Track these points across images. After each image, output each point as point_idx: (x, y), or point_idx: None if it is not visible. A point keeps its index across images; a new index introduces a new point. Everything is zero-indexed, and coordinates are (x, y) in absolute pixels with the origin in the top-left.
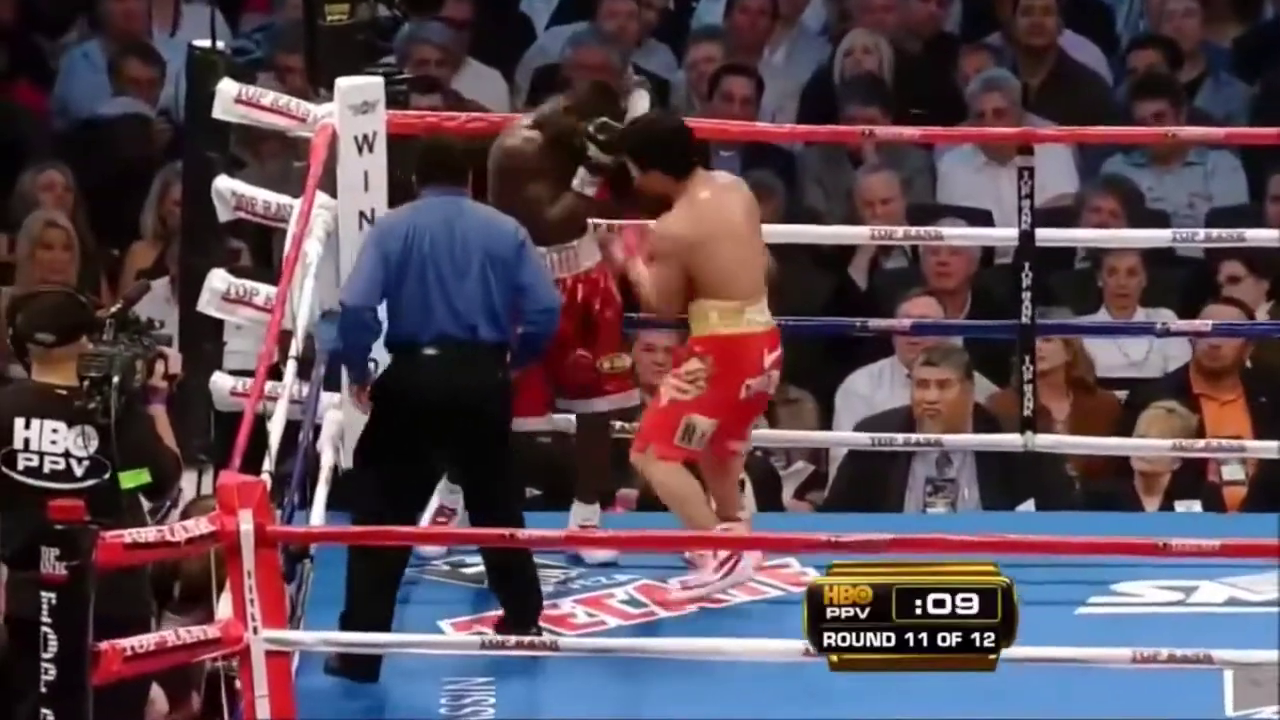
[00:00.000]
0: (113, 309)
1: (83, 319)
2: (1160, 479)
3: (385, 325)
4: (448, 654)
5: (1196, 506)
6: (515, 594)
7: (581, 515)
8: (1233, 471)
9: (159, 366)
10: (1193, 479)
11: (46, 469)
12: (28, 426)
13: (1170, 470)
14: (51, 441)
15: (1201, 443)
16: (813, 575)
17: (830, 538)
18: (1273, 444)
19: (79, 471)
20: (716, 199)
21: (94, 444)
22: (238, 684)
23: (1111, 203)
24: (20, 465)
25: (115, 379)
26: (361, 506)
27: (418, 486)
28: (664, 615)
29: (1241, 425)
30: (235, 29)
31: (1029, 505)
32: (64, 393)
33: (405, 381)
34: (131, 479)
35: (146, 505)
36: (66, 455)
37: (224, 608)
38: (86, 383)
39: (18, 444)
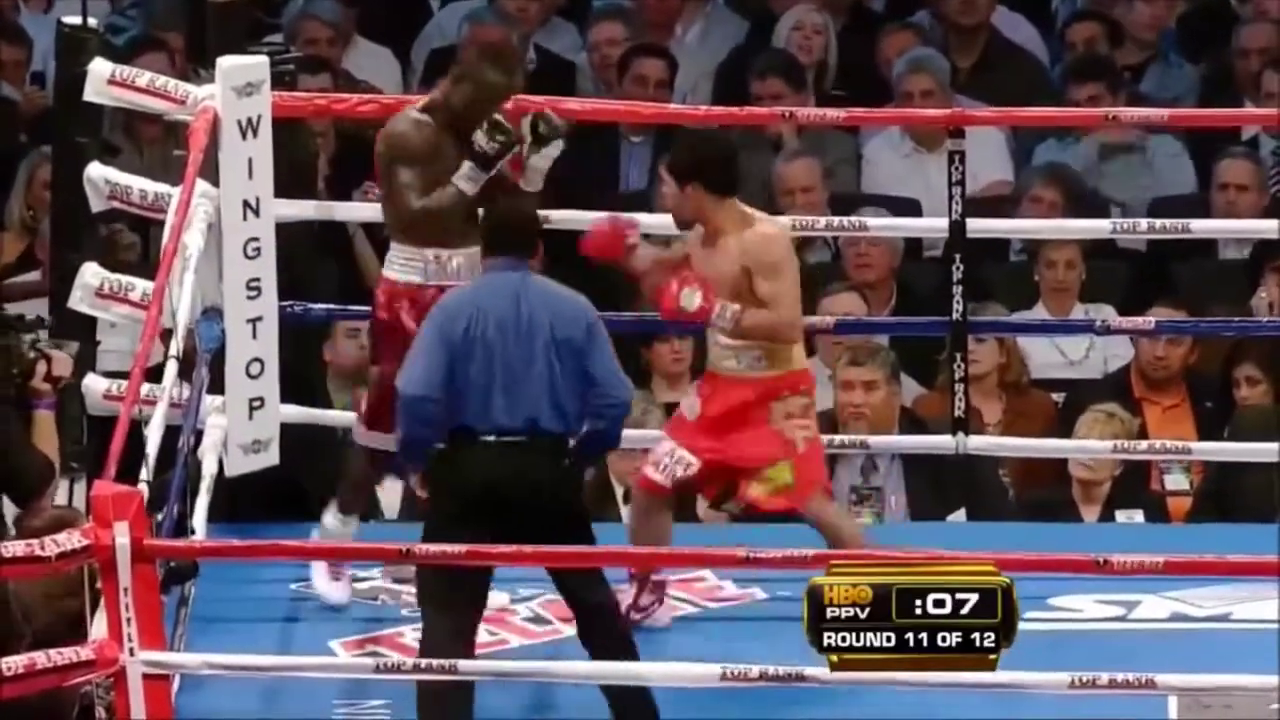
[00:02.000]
0: None
1: None
2: (1100, 487)
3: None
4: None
5: (1139, 516)
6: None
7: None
8: (1176, 481)
9: (40, 368)
10: (1134, 488)
11: None
12: None
13: (1111, 477)
14: None
15: (1144, 444)
16: (730, 589)
17: (749, 553)
18: (1217, 445)
19: None
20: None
21: None
22: (100, 714)
23: (1052, 193)
24: None
25: None
26: (425, 598)
27: (475, 579)
28: (570, 633)
29: (1186, 431)
30: (113, 3)
31: (960, 515)
32: None
33: (459, 472)
34: None
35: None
36: None
37: (98, 628)
38: None
39: None
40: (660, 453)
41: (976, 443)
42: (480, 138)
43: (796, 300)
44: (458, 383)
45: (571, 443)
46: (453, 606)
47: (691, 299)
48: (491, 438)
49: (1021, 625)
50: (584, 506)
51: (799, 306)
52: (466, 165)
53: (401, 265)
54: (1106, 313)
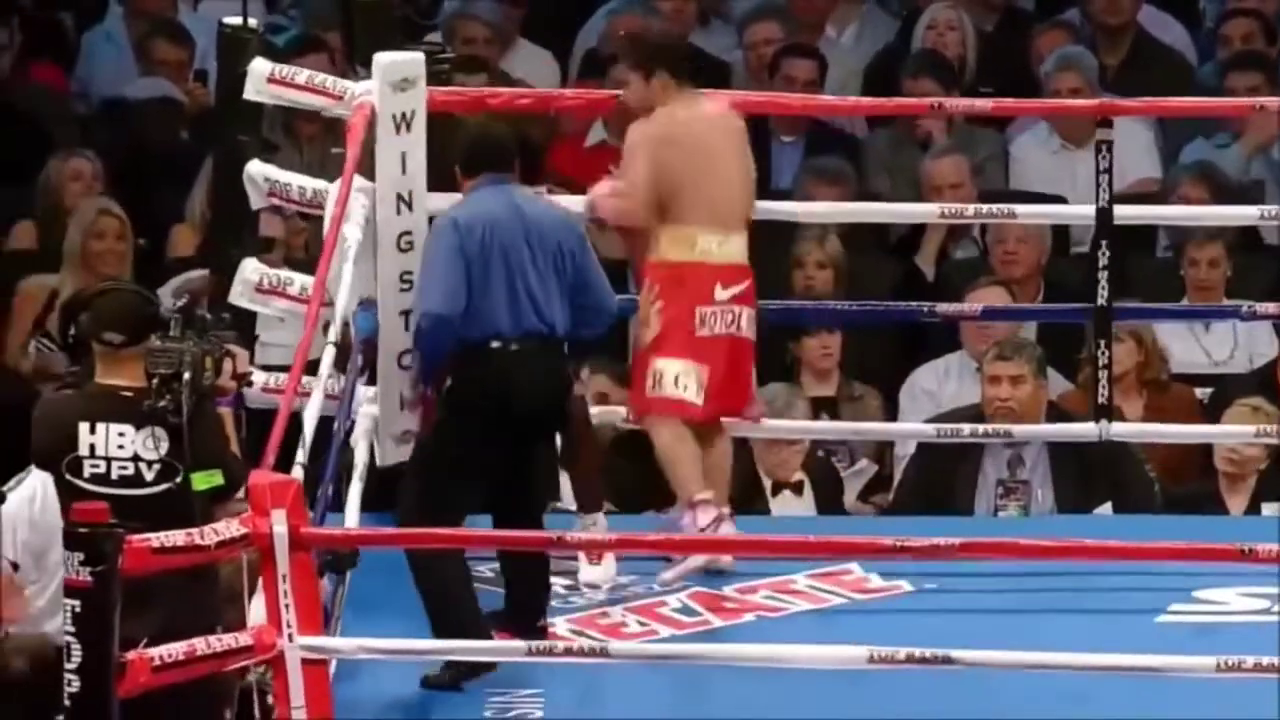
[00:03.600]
0: (179, 304)
1: (152, 317)
2: (1246, 480)
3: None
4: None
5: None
6: (526, 589)
7: None
8: None
9: (227, 365)
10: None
11: (114, 475)
12: (93, 431)
13: (1257, 470)
14: (119, 446)
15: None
16: (876, 581)
17: (896, 542)
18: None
19: (149, 476)
20: (695, 114)
21: (164, 446)
22: (270, 698)
23: (1200, 191)
24: (86, 473)
25: (186, 376)
26: (411, 509)
27: (476, 493)
28: (719, 624)
29: None
30: (270, 4)
31: (1106, 508)
32: (130, 394)
33: (487, 382)
34: (204, 480)
35: None
36: (135, 459)
37: (256, 613)
38: (155, 380)
39: (83, 450)
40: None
41: (1119, 429)
42: None
43: (631, 182)
44: (476, 293)
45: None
46: (446, 503)
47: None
48: (517, 346)
49: (1165, 616)
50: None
51: (632, 195)
52: None
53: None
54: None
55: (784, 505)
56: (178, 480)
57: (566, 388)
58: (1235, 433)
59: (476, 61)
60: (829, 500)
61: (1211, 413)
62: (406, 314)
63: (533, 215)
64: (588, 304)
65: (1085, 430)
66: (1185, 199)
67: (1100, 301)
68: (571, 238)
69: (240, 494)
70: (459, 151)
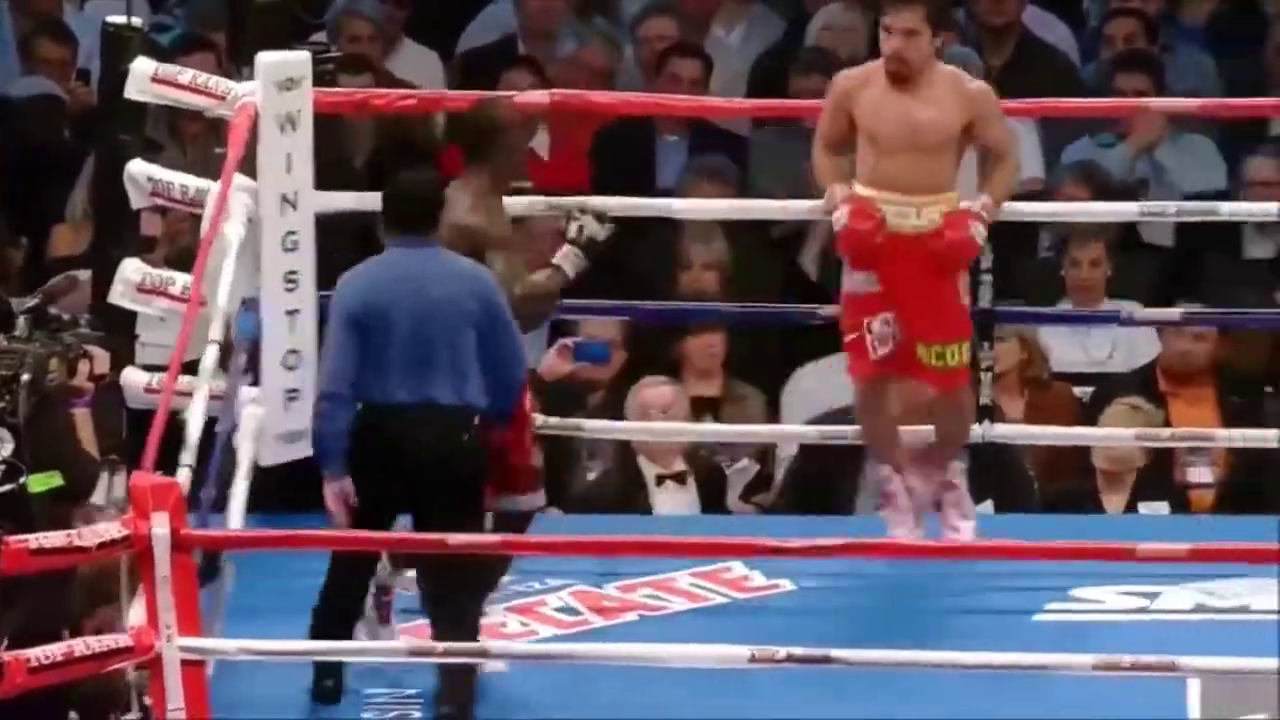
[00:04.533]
0: (29, 303)
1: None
2: (1124, 478)
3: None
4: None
5: (1163, 509)
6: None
7: None
8: (1200, 474)
9: (83, 366)
10: (1158, 480)
11: None
12: None
13: (1135, 469)
14: None
15: (1167, 432)
16: (758, 579)
17: (777, 544)
18: (1245, 432)
19: None
20: None
21: (7, 447)
22: (147, 699)
23: (1083, 191)
24: None
25: (25, 377)
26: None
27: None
28: (601, 623)
29: (1210, 426)
30: (155, 4)
31: (987, 506)
32: None
33: (363, 441)
34: (40, 482)
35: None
36: None
37: (135, 614)
38: None
39: None
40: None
41: (1001, 430)
42: (592, 224)
43: None
44: (368, 363)
45: (476, 418)
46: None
47: (980, 231)
48: (391, 411)
49: (1042, 615)
50: (478, 483)
51: None
52: (570, 249)
53: None
54: (1133, 309)
55: (667, 496)
56: (20, 481)
57: (453, 454)
58: (1115, 435)
59: (361, 61)
60: (712, 495)
61: (1091, 412)
62: (291, 314)
63: (432, 285)
64: (492, 377)
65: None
66: (1069, 199)
67: (983, 305)
68: (475, 304)
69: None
70: (384, 203)
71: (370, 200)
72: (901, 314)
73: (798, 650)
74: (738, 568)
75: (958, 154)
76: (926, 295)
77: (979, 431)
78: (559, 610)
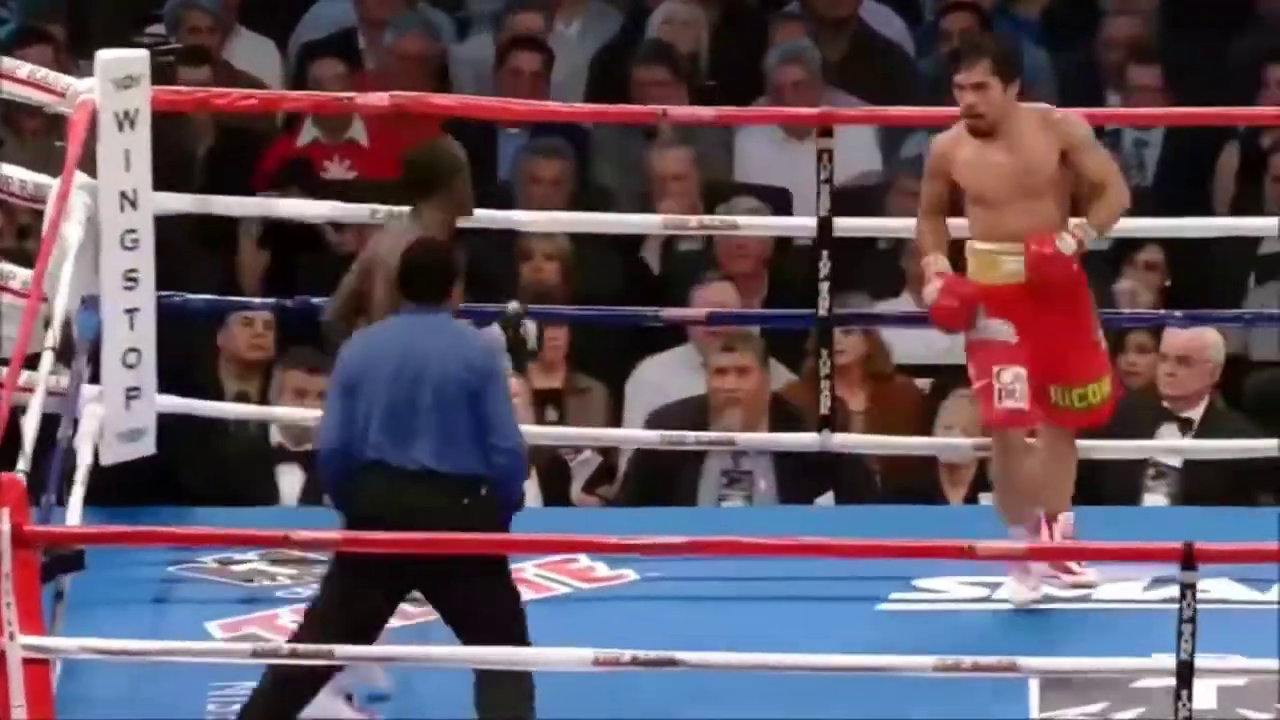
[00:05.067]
0: None
1: None
2: (965, 470)
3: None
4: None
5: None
6: None
7: None
8: None
9: None
10: None
11: None
12: None
13: (976, 461)
14: None
15: None
16: (602, 570)
17: (622, 541)
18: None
19: None
20: None
21: None
22: None
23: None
24: None
25: None
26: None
27: (349, 619)
28: (437, 617)
29: None
30: None
31: (828, 497)
32: None
33: (346, 509)
34: None
35: None
36: None
37: None
38: None
39: None
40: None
41: (840, 440)
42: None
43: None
44: (355, 425)
45: (481, 485)
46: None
47: (1066, 243)
48: (370, 474)
49: (886, 605)
50: (475, 559)
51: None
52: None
53: None
54: None
55: None
56: None
57: (437, 518)
58: (953, 445)
59: (201, 52)
60: (555, 487)
61: (932, 403)
62: (131, 312)
63: (427, 352)
64: (490, 443)
65: (806, 441)
66: (906, 192)
67: (822, 310)
68: (467, 372)
69: None
70: (400, 271)
71: (211, 201)
72: (1035, 360)
73: (642, 654)
74: (583, 559)
75: (1065, 191)
76: (1057, 337)
77: (817, 441)
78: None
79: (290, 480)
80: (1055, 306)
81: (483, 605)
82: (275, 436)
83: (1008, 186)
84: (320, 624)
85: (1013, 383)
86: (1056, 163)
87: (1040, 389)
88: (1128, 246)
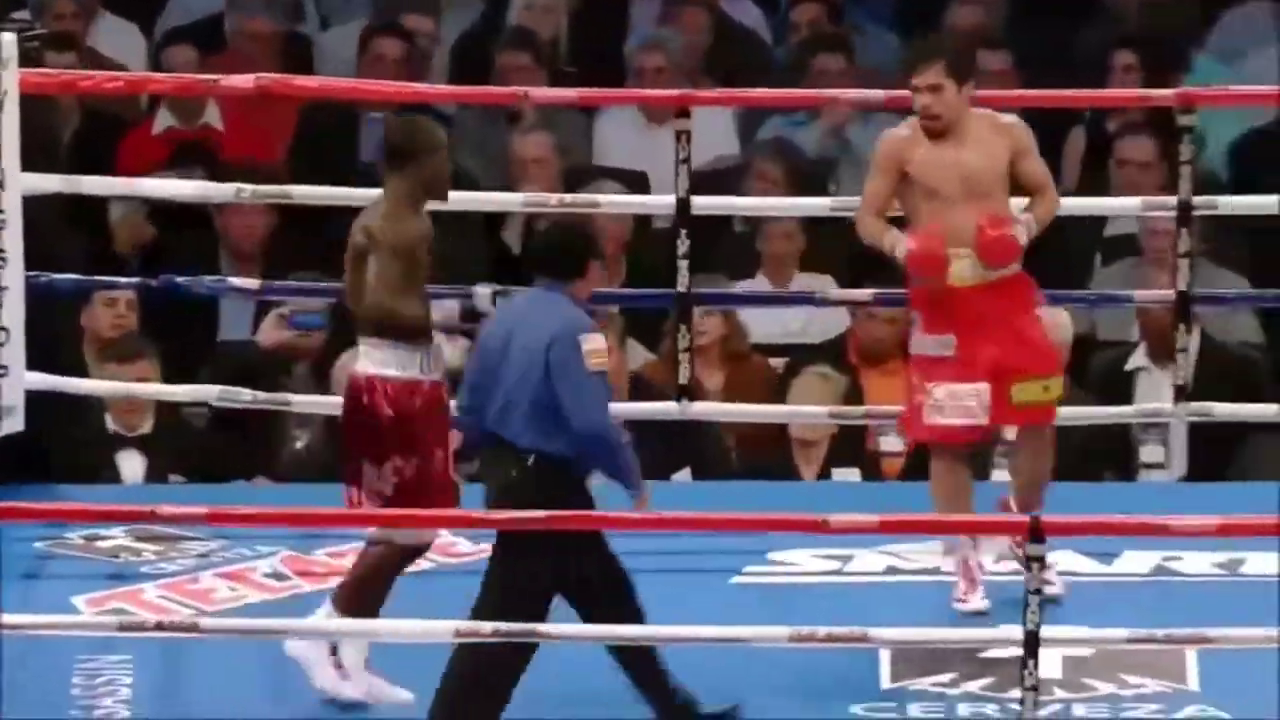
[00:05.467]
0: None
1: None
2: (818, 447)
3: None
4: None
5: (855, 475)
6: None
7: None
8: (891, 443)
9: None
10: (851, 448)
11: None
12: None
13: (828, 438)
14: None
15: (860, 409)
16: (464, 545)
17: (481, 515)
18: None
19: None
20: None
21: None
22: None
23: (776, 168)
24: None
25: None
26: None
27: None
28: (310, 588)
29: (901, 396)
30: None
31: (685, 474)
32: None
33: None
34: None
35: None
36: None
37: None
38: None
39: None
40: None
41: (699, 409)
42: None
43: None
44: (472, 388)
45: (531, 458)
46: None
47: (1019, 230)
48: (486, 449)
49: (740, 578)
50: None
51: None
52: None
53: None
54: (825, 283)
55: None
56: None
57: (504, 493)
58: (809, 413)
59: (66, 38)
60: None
61: (785, 381)
62: None
63: (524, 326)
64: (563, 421)
65: (667, 409)
66: (762, 175)
67: (681, 288)
68: (549, 353)
69: None
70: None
71: (80, 182)
72: (994, 360)
73: (503, 626)
74: (445, 534)
75: (1008, 193)
76: (1015, 334)
77: (677, 409)
78: (268, 576)
79: (131, 465)
80: (1006, 302)
81: (517, 579)
82: (110, 425)
83: (962, 186)
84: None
85: (945, 399)
86: (1006, 165)
87: (1002, 391)
88: None
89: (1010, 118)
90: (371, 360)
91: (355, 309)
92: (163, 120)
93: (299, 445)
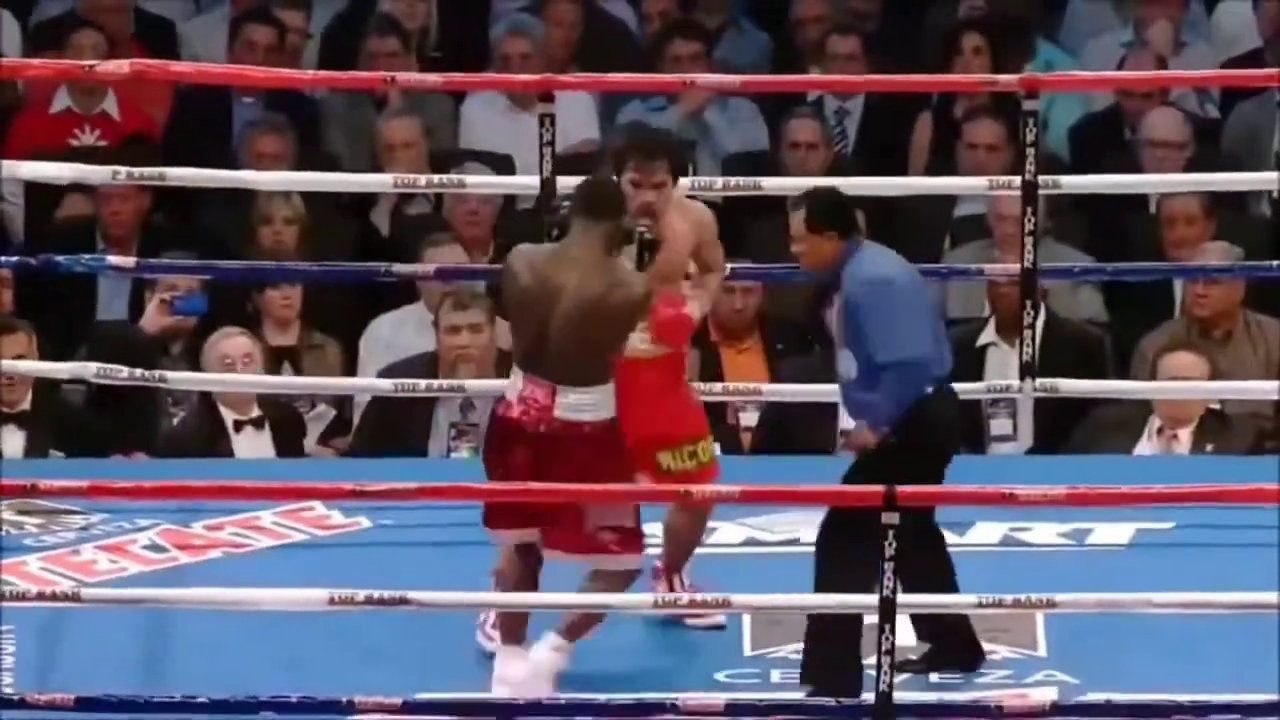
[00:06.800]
0: None
1: None
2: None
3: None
4: None
5: (716, 448)
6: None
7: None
8: (750, 418)
9: None
10: (711, 422)
11: None
12: None
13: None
14: None
15: (719, 386)
16: (337, 518)
17: (355, 487)
18: (782, 387)
19: None
20: None
21: None
22: None
23: None
24: None
25: None
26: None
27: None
28: (187, 560)
29: (759, 372)
30: None
31: None
32: None
33: (939, 427)
34: None
35: None
36: None
37: None
38: None
39: None
40: None
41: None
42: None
43: None
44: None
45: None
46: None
47: (694, 310)
48: (945, 388)
49: None
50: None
51: None
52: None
53: None
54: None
55: (246, 441)
56: None
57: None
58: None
59: None
60: (289, 439)
61: None
62: None
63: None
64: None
65: None
66: None
67: None
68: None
69: None
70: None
71: None
72: (641, 429)
73: (376, 593)
74: (319, 508)
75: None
76: (661, 401)
77: None
78: (147, 548)
79: (12, 441)
80: (656, 374)
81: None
82: None
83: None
84: None
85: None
86: (690, 252)
87: (649, 460)
88: None
89: (697, 205)
90: (583, 409)
91: (551, 356)
92: (60, 102)
93: (175, 421)
